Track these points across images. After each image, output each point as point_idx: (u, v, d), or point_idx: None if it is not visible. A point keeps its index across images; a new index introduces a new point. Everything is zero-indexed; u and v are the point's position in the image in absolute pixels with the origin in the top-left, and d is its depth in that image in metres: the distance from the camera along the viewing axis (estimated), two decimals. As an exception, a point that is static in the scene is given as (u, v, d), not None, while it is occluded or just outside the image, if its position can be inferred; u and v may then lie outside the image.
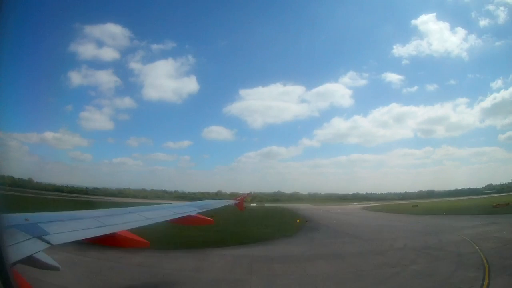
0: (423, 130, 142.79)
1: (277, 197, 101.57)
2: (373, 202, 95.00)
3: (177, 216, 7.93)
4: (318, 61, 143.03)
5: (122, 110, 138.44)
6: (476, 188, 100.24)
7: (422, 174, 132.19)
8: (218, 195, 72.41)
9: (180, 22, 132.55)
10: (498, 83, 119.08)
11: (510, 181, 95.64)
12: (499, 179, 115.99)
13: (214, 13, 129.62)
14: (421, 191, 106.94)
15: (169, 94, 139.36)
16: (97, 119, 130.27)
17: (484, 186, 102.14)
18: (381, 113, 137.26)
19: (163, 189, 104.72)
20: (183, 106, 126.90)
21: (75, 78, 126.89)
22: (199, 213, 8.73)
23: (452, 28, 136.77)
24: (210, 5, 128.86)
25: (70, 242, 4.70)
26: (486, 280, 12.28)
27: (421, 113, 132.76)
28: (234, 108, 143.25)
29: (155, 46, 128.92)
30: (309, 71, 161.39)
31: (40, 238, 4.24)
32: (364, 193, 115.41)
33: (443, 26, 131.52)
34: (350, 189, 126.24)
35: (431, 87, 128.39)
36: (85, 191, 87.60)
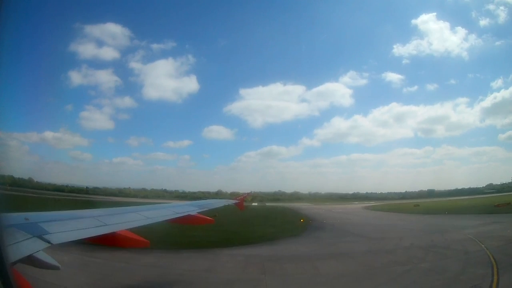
0: (423, 130, 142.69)
1: (277, 196, 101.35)
2: (373, 201, 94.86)
3: (177, 216, 7.92)
4: (318, 60, 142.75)
5: (122, 109, 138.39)
6: (476, 187, 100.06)
7: (422, 174, 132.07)
8: (218, 195, 72.39)
9: (180, 22, 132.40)
10: (498, 82, 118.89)
11: (510, 180, 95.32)
12: (499, 179, 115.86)
13: (214, 12, 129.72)
14: (421, 190, 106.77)
15: (169, 93, 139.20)
16: (97, 118, 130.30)
17: (484, 185, 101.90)
18: (381, 112, 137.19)
19: (163, 188, 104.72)
20: (183, 106, 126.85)
21: (75, 77, 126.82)
22: (199, 213, 8.72)
23: (452, 28, 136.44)
24: (210, 4, 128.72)
25: (70, 241, 4.70)
26: (495, 277, 12.44)
27: (421, 112, 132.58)
28: (234, 107, 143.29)
29: (155, 46, 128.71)
30: (309, 70, 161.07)
31: (40, 237, 4.23)
32: (365, 192, 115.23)
33: (443, 25, 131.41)
34: (350, 189, 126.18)
35: (431, 87, 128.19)
36: (86, 190, 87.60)
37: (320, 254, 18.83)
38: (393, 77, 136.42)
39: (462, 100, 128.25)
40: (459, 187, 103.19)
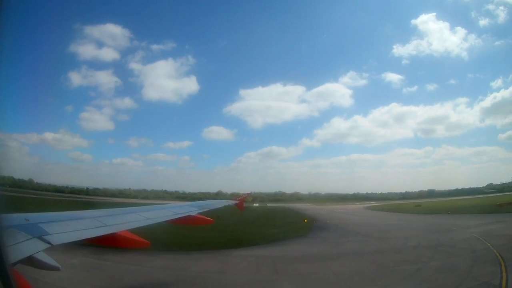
0: (423, 130, 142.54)
1: (277, 197, 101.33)
2: (374, 202, 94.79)
3: (177, 216, 7.93)
4: (318, 61, 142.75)
5: (122, 110, 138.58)
6: (476, 187, 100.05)
7: (422, 174, 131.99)
8: (218, 195, 72.40)
9: (180, 22, 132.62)
10: (498, 82, 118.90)
11: (510, 180, 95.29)
12: (499, 179, 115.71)
13: (214, 13, 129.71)
14: (422, 190, 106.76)
15: (169, 94, 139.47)
16: (97, 119, 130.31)
17: (484, 185, 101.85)
18: (381, 112, 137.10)
19: (163, 189, 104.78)
20: (183, 106, 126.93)
21: (75, 78, 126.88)
22: (199, 213, 8.73)
23: (452, 28, 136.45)
24: (210, 5, 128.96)
25: (71, 242, 4.71)
26: (504, 274, 12.57)
27: (421, 112, 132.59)
28: (234, 108, 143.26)
29: (155, 47, 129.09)
30: (309, 71, 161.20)
31: (40, 238, 4.24)
32: (365, 193, 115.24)
33: (443, 25, 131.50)
34: (351, 189, 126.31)
35: (431, 87, 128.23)
36: (86, 191, 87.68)
37: (330, 254, 18.84)
38: (393, 77, 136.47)
39: (462, 100, 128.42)
40: (459, 187, 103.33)
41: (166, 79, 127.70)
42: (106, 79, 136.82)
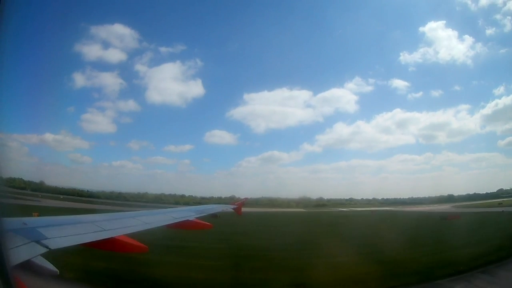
0: (425, 136, 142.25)
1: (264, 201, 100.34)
2: (374, 207, 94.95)
3: (176, 221, 7.95)
4: (325, 66, 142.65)
5: (125, 113, 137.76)
6: (491, 192, 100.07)
7: (421, 180, 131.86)
8: (218, 200, 72.23)
9: (189, 26, 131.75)
10: (501, 89, 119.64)
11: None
12: (498, 185, 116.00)
13: (224, 17, 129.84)
14: (442, 195, 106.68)
15: (174, 97, 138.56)
16: (99, 121, 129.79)
17: (495, 190, 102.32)
18: (384, 118, 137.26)
19: (162, 193, 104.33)
20: (187, 110, 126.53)
21: (79, 79, 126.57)
22: (197, 218, 8.74)
23: (459, 36, 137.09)
24: (220, 9, 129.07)
25: (68, 246, 4.72)
26: None
27: (423, 119, 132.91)
28: (238, 112, 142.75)
29: (163, 49, 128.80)
30: (316, 76, 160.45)
31: (38, 242, 4.25)
32: (360, 198, 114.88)
33: (451, 33, 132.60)
34: (349, 195, 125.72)
35: (435, 93, 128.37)
36: (82, 193, 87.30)
37: None
38: (398, 83, 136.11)
39: (465, 106, 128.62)
40: (457, 194, 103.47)
41: (172, 82, 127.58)
42: (110, 80, 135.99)
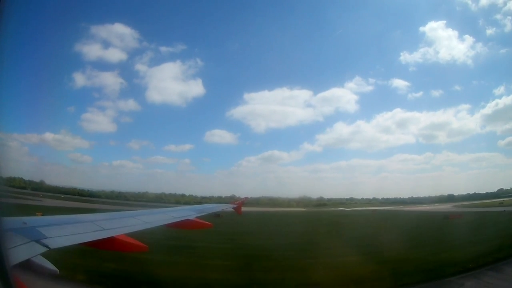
0: (425, 136, 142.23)
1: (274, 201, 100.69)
2: (375, 206, 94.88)
3: (175, 220, 7.94)
4: (325, 65, 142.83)
5: (126, 112, 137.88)
6: (492, 192, 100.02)
7: (421, 180, 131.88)
8: (218, 199, 72.25)
9: (189, 25, 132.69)
10: (501, 89, 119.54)
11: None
12: (498, 185, 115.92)
13: (224, 16, 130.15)
14: (442, 195, 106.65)
15: (175, 97, 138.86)
16: (99, 121, 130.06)
17: (496, 190, 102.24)
18: (384, 118, 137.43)
19: (162, 192, 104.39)
20: (187, 110, 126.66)
21: (79, 79, 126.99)
22: (197, 217, 8.74)
23: (460, 36, 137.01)
24: (221, 8, 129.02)
25: (68, 246, 4.73)
26: None
27: (424, 118, 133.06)
28: (239, 111, 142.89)
29: (163, 48, 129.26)
30: (317, 75, 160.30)
31: (38, 241, 4.25)
32: (360, 198, 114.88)
33: (451, 33, 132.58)
34: (349, 194, 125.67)
35: (436, 93, 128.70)
36: (88, 193, 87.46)
37: None
38: (398, 83, 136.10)
39: (465, 106, 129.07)
40: (457, 193, 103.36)
41: (173, 82, 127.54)
42: (111, 80, 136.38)
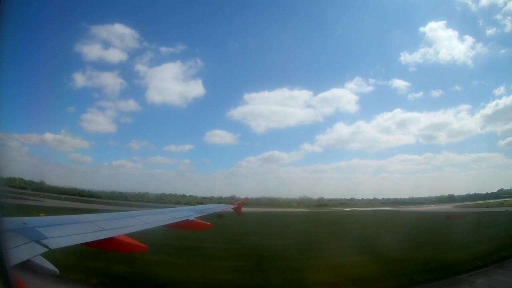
0: (425, 136, 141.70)
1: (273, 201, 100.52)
2: (375, 207, 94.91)
3: (175, 221, 7.95)
4: (325, 66, 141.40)
5: (126, 113, 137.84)
6: (492, 192, 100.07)
7: (420, 180, 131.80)
8: (218, 200, 72.23)
9: (190, 25, 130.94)
10: (501, 89, 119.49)
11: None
12: (498, 185, 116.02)
13: (225, 16, 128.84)
14: (442, 195, 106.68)
15: (175, 97, 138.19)
16: (100, 121, 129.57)
17: (496, 190, 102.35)
18: (384, 118, 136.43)
19: (162, 192, 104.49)
20: (187, 110, 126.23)
21: (79, 79, 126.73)
22: (197, 218, 8.75)
23: (460, 36, 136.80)
24: (221, 8, 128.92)
25: (68, 246, 4.73)
26: None
27: (424, 119, 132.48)
28: (239, 112, 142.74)
29: (164, 49, 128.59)
30: (317, 76, 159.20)
31: (38, 242, 4.26)
32: (360, 198, 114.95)
33: (452, 34, 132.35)
34: (349, 194, 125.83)
35: (436, 93, 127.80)
36: (88, 193, 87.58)
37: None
38: (399, 83, 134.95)
39: (465, 106, 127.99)
40: (457, 194, 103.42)
41: (173, 82, 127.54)
42: (111, 80, 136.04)
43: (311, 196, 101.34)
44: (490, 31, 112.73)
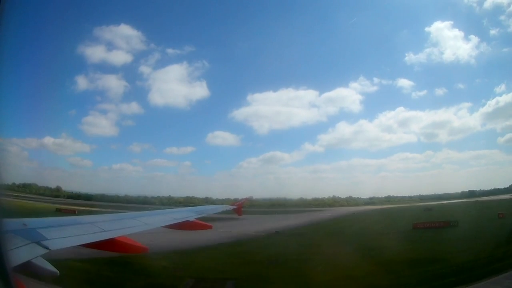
0: (426, 134, 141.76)
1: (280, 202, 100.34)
2: (374, 206, 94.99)
3: (175, 222, 7.94)
4: (331, 65, 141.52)
5: (128, 115, 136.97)
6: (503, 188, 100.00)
7: (421, 178, 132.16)
8: (220, 201, 72.24)
9: (194, 27, 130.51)
10: (502, 87, 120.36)
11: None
12: (498, 182, 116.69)
13: (231, 17, 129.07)
14: (463, 191, 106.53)
15: (179, 99, 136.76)
16: (101, 124, 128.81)
17: (508, 186, 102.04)
18: (387, 117, 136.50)
19: (162, 195, 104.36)
20: (190, 112, 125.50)
21: (82, 82, 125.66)
22: (197, 219, 8.75)
23: (465, 36, 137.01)
24: (227, 9, 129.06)
25: (68, 247, 4.74)
26: None
27: (425, 117, 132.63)
28: (242, 113, 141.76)
29: (170, 50, 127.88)
30: (322, 75, 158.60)
31: (38, 243, 4.26)
32: (358, 197, 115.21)
33: (457, 34, 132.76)
34: (349, 193, 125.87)
35: (439, 91, 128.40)
36: (78, 196, 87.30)
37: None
38: (403, 83, 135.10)
39: (466, 104, 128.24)
40: (453, 191, 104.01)
41: (177, 84, 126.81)
42: (114, 83, 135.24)
43: (315, 196, 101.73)
44: (493, 31, 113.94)
